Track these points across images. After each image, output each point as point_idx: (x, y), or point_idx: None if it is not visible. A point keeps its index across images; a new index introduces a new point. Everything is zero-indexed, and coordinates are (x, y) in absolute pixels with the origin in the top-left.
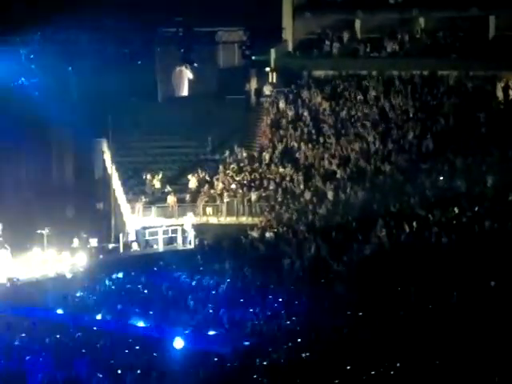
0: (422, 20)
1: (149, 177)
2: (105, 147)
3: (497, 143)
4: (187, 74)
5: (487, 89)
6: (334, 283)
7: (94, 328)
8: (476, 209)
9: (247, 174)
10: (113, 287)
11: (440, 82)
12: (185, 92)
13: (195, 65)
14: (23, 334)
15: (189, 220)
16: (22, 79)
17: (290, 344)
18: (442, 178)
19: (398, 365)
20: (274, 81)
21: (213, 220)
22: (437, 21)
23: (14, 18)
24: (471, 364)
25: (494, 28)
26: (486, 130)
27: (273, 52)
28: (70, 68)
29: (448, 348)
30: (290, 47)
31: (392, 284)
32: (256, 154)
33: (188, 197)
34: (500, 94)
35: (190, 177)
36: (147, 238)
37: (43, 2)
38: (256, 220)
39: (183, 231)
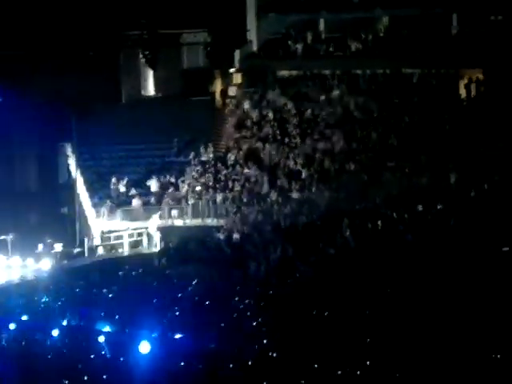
0: (385, 19)
1: (114, 180)
2: (69, 151)
3: (460, 140)
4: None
5: (450, 86)
6: (300, 284)
7: (59, 334)
8: (440, 206)
9: (212, 175)
10: (78, 292)
11: (404, 80)
12: (151, 88)
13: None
14: None
15: (154, 223)
16: None
17: (256, 346)
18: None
19: (367, 363)
20: (239, 82)
21: (178, 222)
22: (400, 19)
23: None
24: (439, 359)
25: (456, 25)
26: (449, 127)
27: (237, 53)
28: (35, 72)
29: (416, 346)
30: (255, 48)
31: (358, 283)
32: (221, 155)
33: (153, 199)
34: (463, 91)
35: (151, 181)
36: (112, 241)
37: (6, 6)
38: (221, 222)
39: (148, 234)
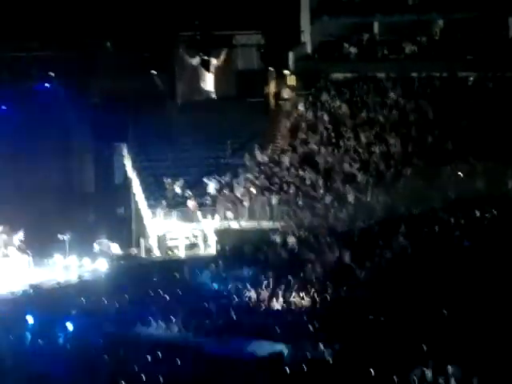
0: (440, 21)
1: (169, 181)
2: (125, 152)
3: None
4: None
5: (507, 89)
6: (357, 288)
7: (118, 335)
8: (497, 211)
9: (267, 177)
10: (134, 293)
11: (460, 84)
12: (206, 89)
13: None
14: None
15: (210, 224)
16: (45, 84)
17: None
18: (461, 174)
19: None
20: (293, 84)
21: (234, 224)
22: (455, 22)
23: (33, 21)
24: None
25: None
26: (507, 131)
27: (291, 55)
28: (91, 73)
29: (474, 352)
30: (309, 50)
31: (414, 288)
32: (276, 158)
33: (208, 201)
34: None
35: (208, 182)
36: (168, 243)
37: (63, 7)
38: (277, 224)
39: (205, 236)
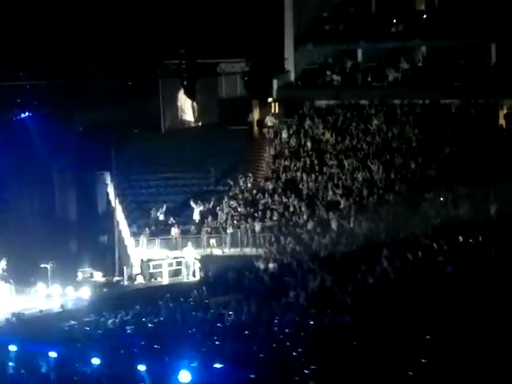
0: (423, 49)
1: (152, 209)
2: (108, 180)
3: (500, 171)
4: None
5: (489, 116)
6: (340, 314)
7: (99, 363)
8: (480, 237)
9: (250, 204)
10: (117, 320)
11: (442, 110)
12: (190, 117)
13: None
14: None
15: (189, 252)
16: (26, 113)
17: (296, 377)
18: (442, 199)
19: None
20: (277, 111)
21: (217, 251)
22: (438, 49)
23: (18, 52)
24: None
25: (495, 55)
26: (489, 157)
27: (275, 82)
28: (75, 102)
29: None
30: (292, 77)
31: (397, 314)
32: (259, 185)
33: (192, 228)
34: (503, 122)
35: (194, 207)
36: (151, 270)
37: (47, 36)
38: (260, 251)
39: (186, 263)
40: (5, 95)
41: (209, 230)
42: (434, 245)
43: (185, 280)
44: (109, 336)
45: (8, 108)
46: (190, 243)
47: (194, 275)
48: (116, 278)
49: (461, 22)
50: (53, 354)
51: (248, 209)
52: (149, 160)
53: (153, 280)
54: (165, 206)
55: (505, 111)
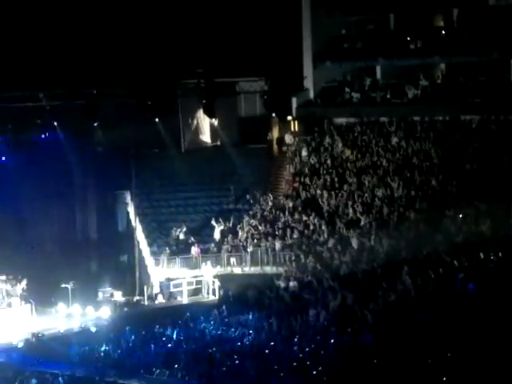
0: (442, 65)
1: (173, 228)
2: (128, 199)
3: None
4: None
5: (510, 132)
6: (361, 332)
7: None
8: (501, 253)
9: (270, 222)
10: (137, 340)
11: (463, 127)
12: (208, 137)
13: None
14: None
15: (208, 271)
16: (46, 134)
17: None
18: (462, 216)
19: None
20: (296, 129)
21: (237, 270)
22: (457, 66)
23: (37, 73)
24: None
25: None
26: (509, 173)
27: (294, 101)
28: (95, 123)
29: None
30: (312, 95)
31: (419, 331)
32: (279, 203)
33: (213, 246)
34: None
35: (215, 225)
36: (172, 289)
37: (66, 57)
38: (280, 269)
39: (207, 282)
40: (25, 116)
41: (229, 248)
42: (455, 262)
43: (205, 299)
44: (129, 355)
45: (28, 129)
46: (209, 262)
47: (213, 294)
48: (136, 298)
49: (479, 38)
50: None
51: (268, 227)
52: (169, 179)
53: (173, 299)
54: (184, 224)
55: None
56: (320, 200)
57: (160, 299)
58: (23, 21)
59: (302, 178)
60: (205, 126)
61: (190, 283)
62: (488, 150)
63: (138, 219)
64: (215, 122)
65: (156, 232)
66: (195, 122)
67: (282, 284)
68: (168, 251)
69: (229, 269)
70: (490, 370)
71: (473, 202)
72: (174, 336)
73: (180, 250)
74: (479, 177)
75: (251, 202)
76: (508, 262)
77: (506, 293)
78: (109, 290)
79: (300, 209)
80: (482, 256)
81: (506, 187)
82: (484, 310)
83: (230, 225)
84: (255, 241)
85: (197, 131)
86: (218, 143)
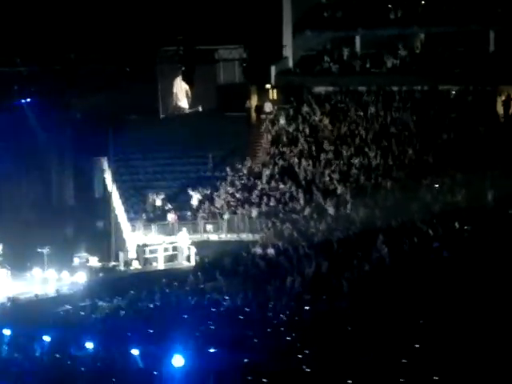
0: (422, 35)
1: (149, 194)
2: (105, 165)
3: (497, 157)
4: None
5: (487, 103)
6: (336, 300)
7: (93, 347)
8: (476, 223)
9: (248, 190)
10: (113, 305)
11: (441, 97)
12: (185, 104)
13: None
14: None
15: (184, 237)
16: (26, 99)
17: (290, 362)
18: (438, 185)
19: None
20: (275, 97)
21: (213, 237)
22: (437, 36)
23: (15, 38)
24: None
25: (493, 43)
26: (486, 144)
27: (273, 69)
28: (72, 88)
29: (449, 365)
30: (291, 64)
31: (393, 299)
32: (257, 171)
33: (189, 214)
34: (500, 108)
35: (192, 193)
36: (147, 255)
37: (43, 23)
38: (257, 236)
39: (179, 248)
40: (2, 81)
41: (206, 215)
42: (430, 231)
43: (180, 265)
44: (103, 320)
45: (5, 94)
46: (184, 229)
47: (188, 260)
48: (112, 263)
49: (459, 9)
50: (47, 338)
51: (245, 195)
52: (146, 146)
53: (148, 265)
54: (162, 191)
55: (503, 98)
56: (297, 168)
57: (136, 265)
58: None
59: (280, 147)
60: (180, 93)
61: (166, 249)
62: (465, 120)
63: (115, 185)
64: (191, 89)
65: (133, 198)
66: (174, 89)
67: (258, 251)
68: (144, 217)
69: (205, 236)
70: (463, 336)
71: (449, 172)
72: (149, 302)
73: (157, 216)
74: (456, 147)
75: (229, 169)
76: (483, 232)
77: (479, 261)
78: (84, 255)
79: (277, 177)
80: (458, 225)
81: (482, 158)
82: (457, 277)
83: (208, 192)
84: (232, 208)
85: (175, 98)
86: (200, 109)
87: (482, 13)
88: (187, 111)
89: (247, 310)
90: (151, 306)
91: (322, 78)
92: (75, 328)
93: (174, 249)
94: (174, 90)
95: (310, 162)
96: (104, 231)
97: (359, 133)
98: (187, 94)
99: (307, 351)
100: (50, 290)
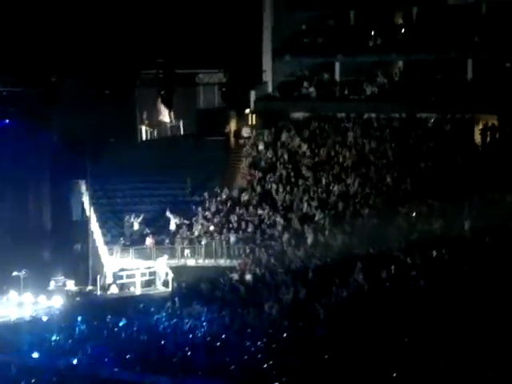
0: (400, 63)
1: (127, 218)
2: (83, 188)
3: (474, 186)
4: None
5: (465, 131)
6: (313, 326)
7: (69, 372)
8: (453, 252)
9: (225, 215)
10: (89, 330)
11: (419, 125)
12: (167, 118)
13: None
14: None
15: (161, 263)
16: (4, 120)
17: None
18: (415, 214)
19: None
20: (254, 122)
21: (191, 262)
22: (415, 63)
23: None
24: None
25: (471, 71)
26: (464, 172)
27: (252, 94)
28: (51, 110)
29: None
30: (270, 89)
31: (370, 327)
32: (235, 196)
33: (167, 241)
34: (478, 137)
35: (170, 217)
36: (125, 280)
37: (23, 45)
38: (235, 262)
39: (156, 274)
40: None
41: (183, 240)
42: (408, 259)
43: (157, 291)
44: (80, 345)
45: None
46: (165, 255)
47: (166, 286)
48: (89, 288)
49: (438, 37)
50: (22, 363)
51: (223, 220)
52: (124, 169)
53: (126, 290)
54: (140, 215)
55: (480, 126)
56: (275, 194)
57: (113, 290)
58: None
59: (258, 172)
60: (162, 116)
61: (143, 274)
62: (443, 148)
63: (92, 208)
64: (173, 113)
65: (110, 222)
66: (153, 112)
67: (236, 277)
68: (122, 241)
69: (183, 261)
70: (442, 363)
71: (426, 200)
72: (126, 327)
73: (134, 240)
74: (434, 175)
75: (207, 194)
76: (460, 261)
77: (456, 290)
78: (61, 279)
79: (255, 202)
80: (435, 254)
81: (460, 186)
82: (434, 304)
83: (185, 217)
84: (210, 233)
85: (154, 122)
86: (176, 134)
87: (460, 41)
88: (167, 135)
89: (224, 336)
90: (128, 331)
91: (301, 103)
92: (51, 353)
93: (152, 274)
94: (156, 114)
95: (289, 188)
96: (81, 255)
97: (338, 159)
98: (169, 118)
99: (284, 378)
100: (26, 314)
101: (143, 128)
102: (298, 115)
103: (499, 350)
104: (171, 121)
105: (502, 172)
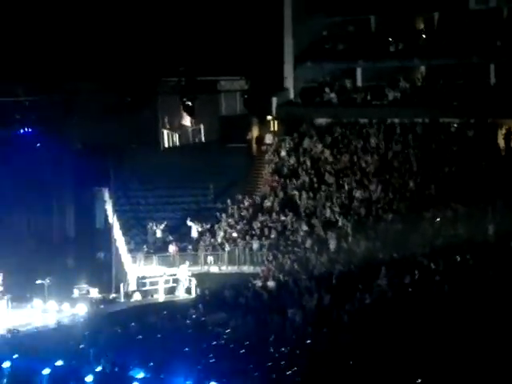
0: (422, 68)
1: (150, 226)
2: (106, 196)
3: (498, 191)
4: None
5: (488, 136)
6: (337, 333)
7: (93, 380)
8: (478, 257)
9: (248, 222)
10: (113, 338)
11: (442, 130)
12: (188, 122)
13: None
14: None
15: (183, 270)
16: (27, 129)
17: None
18: (440, 219)
19: None
20: (276, 129)
21: (214, 269)
22: (437, 68)
23: (17, 66)
24: None
25: (494, 75)
26: (487, 177)
27: (274, 100)
28: (73, 118)
29: None
30: (292, 95)
31: (394, 333)
32: (258, 202)
33: (190, 245)
34: (501, 141)
35: (192, 225)
36: (148, 287)
37: (45, 51)
38: (258, 269)
39: (179, 281)
40: (4, 111)
41: (206, 247)
42: (432, 264)
43: (181, 297)
44: (103, 353)
45: (6, 124)
46: (184, 263)
47: (189, 293)
48: (112, 295)
49: (459, 42)
50: (46, 371)
51: (246, 226)
52: (147, 177)
53: (149, 297)
54: (163, 222)
55: (503, 131)
56: (298, 200)
57: (136, 297)
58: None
59: (281, 178)
60: (185, 124)
61: (166, 281)
62: (466, 153)
63: (115, 216)
64: (195, 120)
65: (133, 229)
66: (175, 120)
67: (259, 283)
68: (145, 249)
69: (206, 268)
70: (466, 370)
71: (451, 205)
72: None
73: (158, 247)
74: (457, 180)
75: (229, 201)
76: (484, 266)
77: (481, 295)
78: (85, 286)
79: (278, 209)
80: (459, 259)
81: (483, 191)
82: (458, 309)
83: (208, 224)
84: (232, 240)
85: (176, 129)
86: (198, 141)
87: (482, 45)
88: (189, 142)
89: (248, 342)
90: (152, 338)
91: (323, 109)
92: (75, 361)
93: (175, 281)
94: (181, 120)
95: (311, 194)
96: (105, 262)
97: (360, 165)
98: (191, 125)
99: None
100: (50, 322)
101: (165, 133)
102: (320, 121)
103: None
104: (192, 127)
105: None
